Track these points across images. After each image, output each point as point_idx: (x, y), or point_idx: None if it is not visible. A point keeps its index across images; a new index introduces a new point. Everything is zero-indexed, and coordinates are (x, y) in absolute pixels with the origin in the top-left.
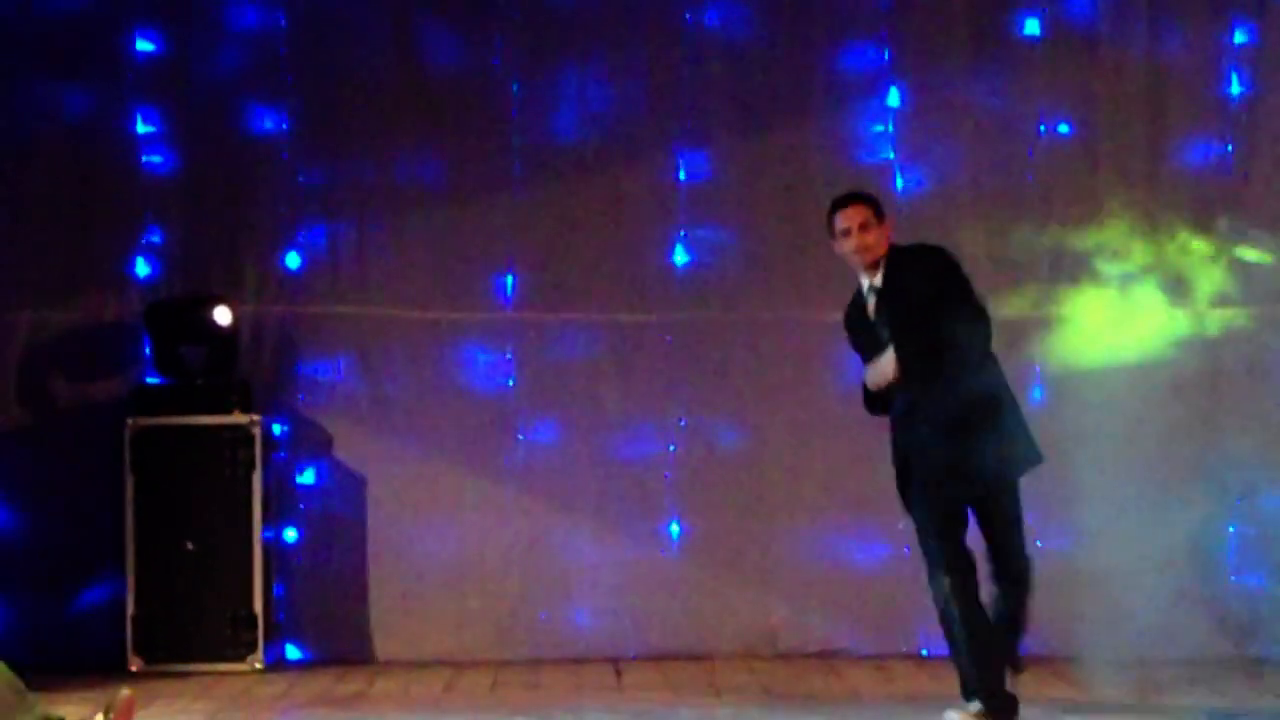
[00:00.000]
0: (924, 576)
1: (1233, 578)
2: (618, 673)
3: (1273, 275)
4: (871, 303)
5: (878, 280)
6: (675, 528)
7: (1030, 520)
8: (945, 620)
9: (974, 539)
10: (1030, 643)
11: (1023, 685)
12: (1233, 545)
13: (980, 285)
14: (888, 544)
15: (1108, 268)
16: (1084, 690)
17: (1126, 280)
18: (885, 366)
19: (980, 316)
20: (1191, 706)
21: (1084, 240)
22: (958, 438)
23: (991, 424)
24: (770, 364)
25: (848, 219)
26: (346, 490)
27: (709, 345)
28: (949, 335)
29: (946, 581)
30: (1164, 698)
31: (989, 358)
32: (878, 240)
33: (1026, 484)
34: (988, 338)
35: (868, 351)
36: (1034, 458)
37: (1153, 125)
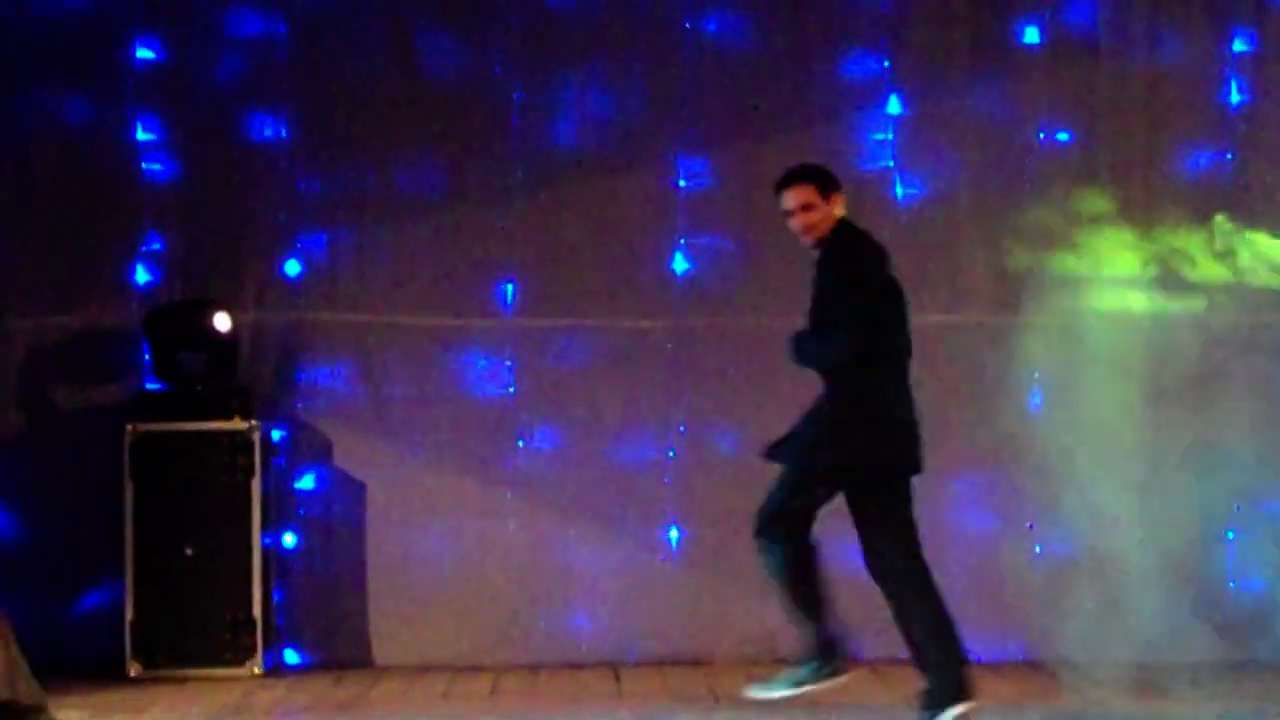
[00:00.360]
0: None
1: (1231, 583)
2: (617, 678)
3: (1268, 281)
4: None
5: (816, 255)
6: (675, 534)
7: (1029, 524)
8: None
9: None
10: (1024, 647)
11: (1024, 688)
12: (1231, 550)
13: (980, 291)
14: None
15: (1106, 274)
16: (1082, 695)
17: (1125, 287)
18: None
19: (852, 328)
20: (1191, 711)
21: (1083, 248)
22: (823, 425)
23: (846, 425)
24: (769, 371)
25: (788, 200)
26: (346, 496)
27: (708, 352)
28: (824, 332)
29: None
30: (1163, 702)
31: (871, 364)
32: (821, 219)
33: (1024, 486)
34: (841, 350)
35: None
36: (897, 468)
37: (1152, 133)
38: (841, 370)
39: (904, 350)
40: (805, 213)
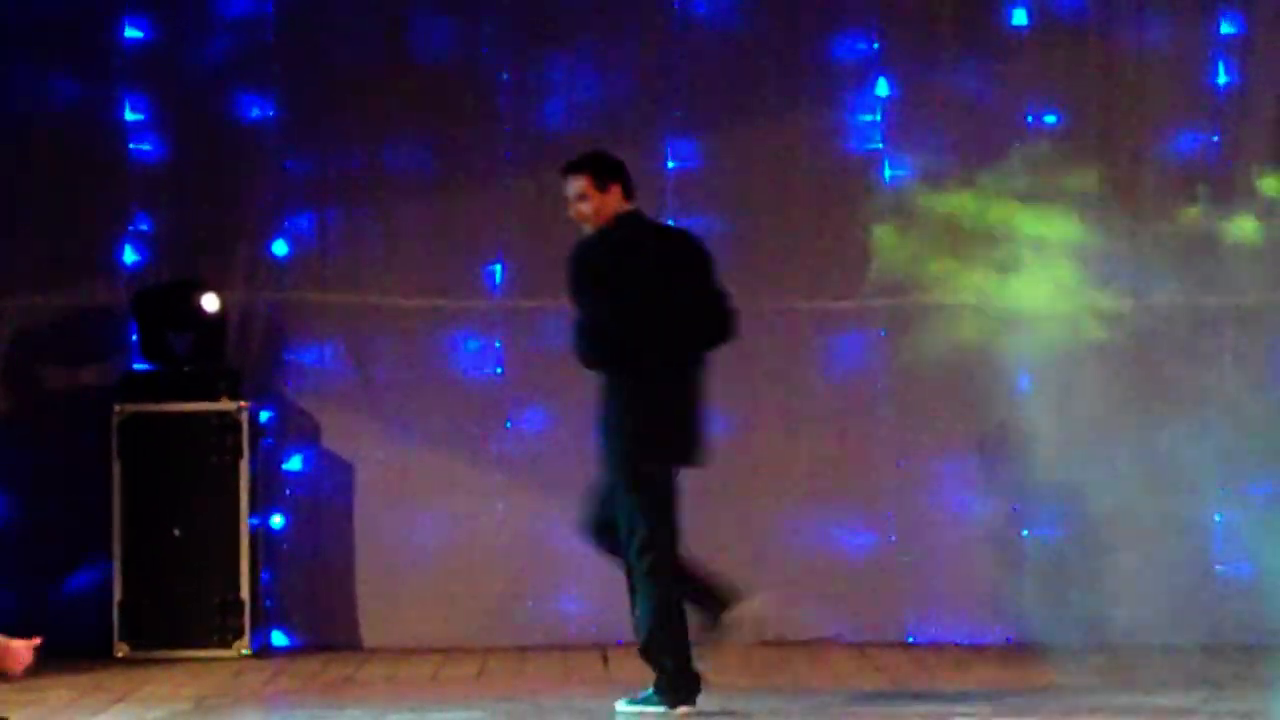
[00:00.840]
0: (911, 564)
1: (1218, 566)
2: (605, 659)
3: (1256, 264)
4: None
5: None
6: None
7: (1016, 509)
8: None
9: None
10: (1011, 631)
11: (1011, 671)
12: (1218, 533)
13: (969, 278)
14: (874, 532)
15: (1092, 257)
16: (1068, 678)
17: (1112, 268)
18: None
19: (589, 318)
20: (1177, 695)
21: (1070, 230)
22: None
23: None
24: (758, 352)
25: (567, 188)
26: (334, 477)
27: None
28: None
29: None
30: (1149, 686)
31: (618, 359)
32: (597, 209)
33: (1011, 468)
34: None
35: None
36: (637, 463)
37: (1139, 115)
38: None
39: (677, 340)
40: (580, 202)
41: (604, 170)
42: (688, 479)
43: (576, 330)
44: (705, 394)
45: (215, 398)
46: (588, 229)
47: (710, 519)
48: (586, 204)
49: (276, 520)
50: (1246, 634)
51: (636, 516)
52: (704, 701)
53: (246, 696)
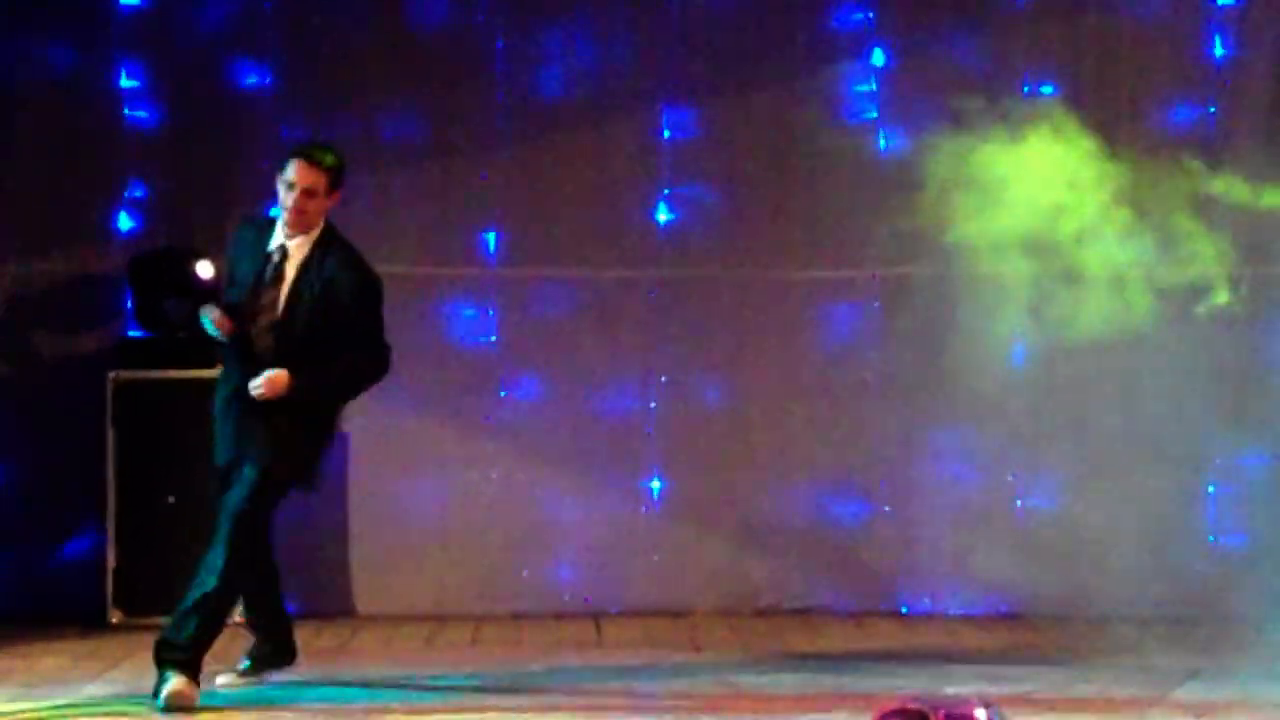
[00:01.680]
0: (904, 534)
1: (1211, 538)
2: (598, 628)
3: (1251, 235)
4: (276, 262)
5: (298, 250)
6: (656, 484)
7: (1011, 479)
8: None
9: None
10: (1005, 601)
11: (1004, 641)
12: (1211, 505)
13: (965, 247)
14: (868, 502)
15: (1089, 229)
16: (1062, 648)
17: (1109, 241)
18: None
19: (379, 349)
20: (1171, 665)
21: (1066, 203)
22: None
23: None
24: (752, 322)
25: (293, 174)
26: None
27: (692, 303)
28: (343, 358)
29: None
30: (1141, 657)
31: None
32: (317, 211)
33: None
34: (378, 370)
35: (240, 286)
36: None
37: (1136, 86)
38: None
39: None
40: (306, 198)
41: (340, 174)
42: (678, 449)
43: (382, 343)
44: None
45: (210, 365)
46: (287, 225)
47: (704, 488)
48: (314, 202)
49: None
50: (1240, 604)
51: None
52: (696, 670)
53: (239, 663)
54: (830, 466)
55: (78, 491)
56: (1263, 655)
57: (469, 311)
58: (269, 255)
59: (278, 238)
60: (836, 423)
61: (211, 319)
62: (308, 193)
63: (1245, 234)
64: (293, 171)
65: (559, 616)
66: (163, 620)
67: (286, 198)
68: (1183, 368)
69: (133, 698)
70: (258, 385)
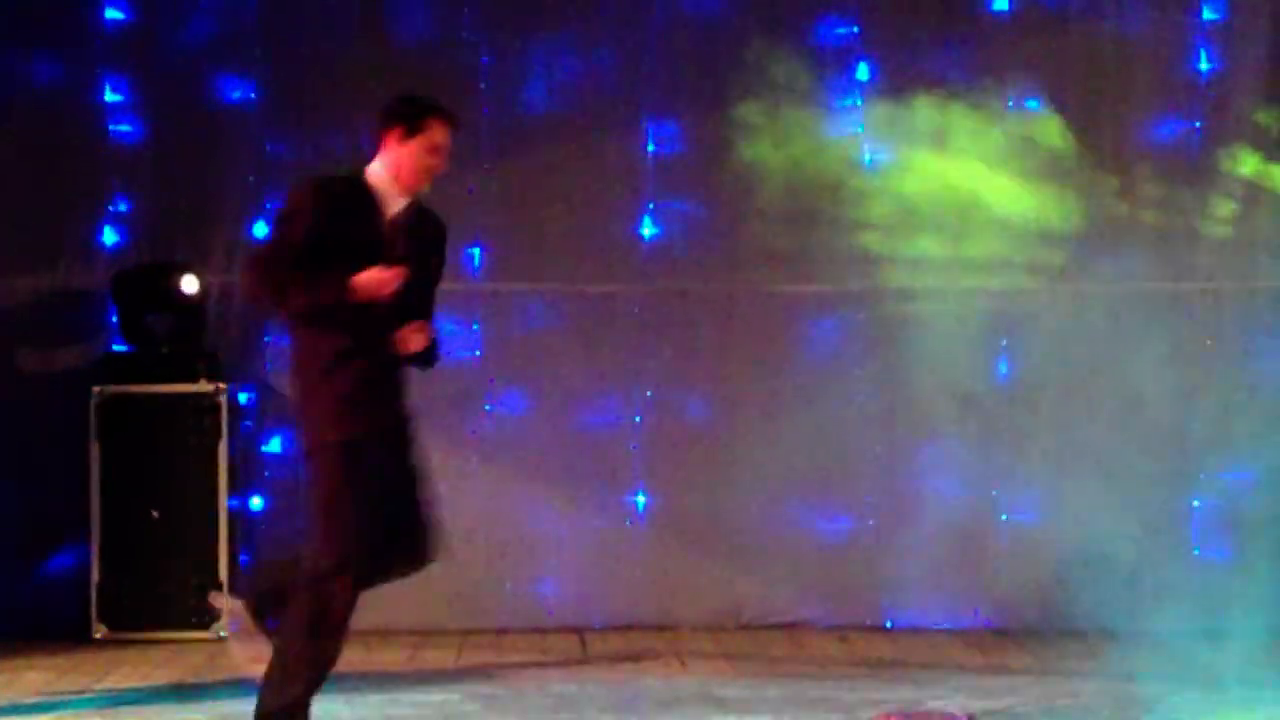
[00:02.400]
0: (888, 548)
1: (1196, 551)
2: (583, 643)
3: (1236, 250)
4: (402, 223)
5: (409, 209)
6: (641, 499)
7: (995, 493)
8: None
9: None
10: (990, 615)
11: (989, 655)
12: (1196, 518)
13: (951, 261)
14: (852, 516)
15: (1074, 240)
16: (1047, 662)
17: (1093, 252)
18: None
19: None
20: (1154, 678)
21: (1051, 214)
22: None
23: None
24: (737, 337)
25: (445, 137)
26: None
27: (676, 317)
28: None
29: None
30: (1126, 669)
31: None
32: None
33: (990, 452)
34: None
35: (357, 256)
36: None
37: (1121, 101)
38: None
39: None
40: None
41: None
42: (663, 463)
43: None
44: None
45: (194, 379)
46: (421, 182)
47: (689, 502)
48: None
49: (255, 502)
50: (1223, 619)
51: None
52: (681, 685)
53: (224, 679)
54: (815, 481)
55: (62, 506)
56: (1242, 672)
57: (453, 326)
58: (393, 218)
59: (393, 199)
60: (821, 437)
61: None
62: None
63: (1229, 248)
64: (444, 134)
65: (543, 631)
66: (145, 635)
67: (432, 160)
68: (1168, 382)
69: (116, 712)
70: (418, 337)
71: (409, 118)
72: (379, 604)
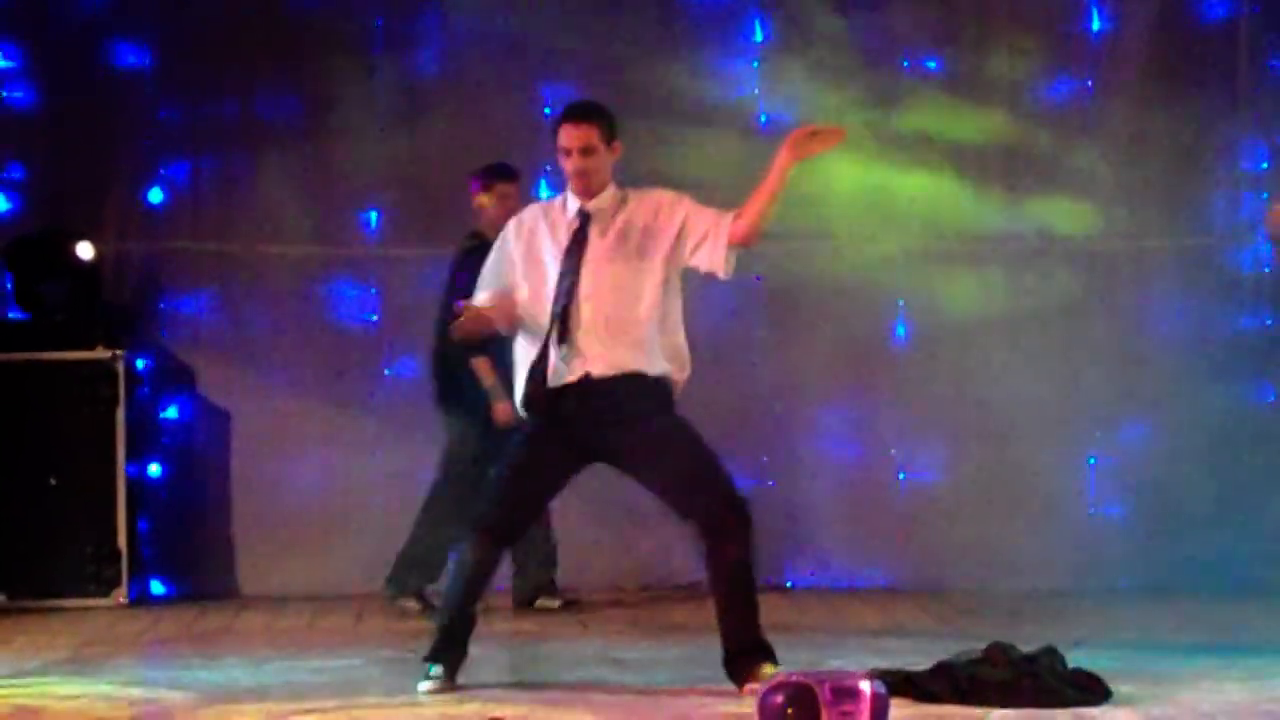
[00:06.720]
0: (788, 508)
1: (1091, 509)
2: (485, 607)
3: (1129, 208)
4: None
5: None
6: None
7: (893, 452)
8: None
9: None
10: (887, 575)
11: (888, 614)
12: (1092, 476)
13: (849, 223)
14: (752, 477)
15: (969, 200)
16: (944, 622)
17: (990, 214)
18: None
19: None
20: (1051, 637)
21: (948, 177)
22: None
23: None
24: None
25: (569, 138)
26: (210, 425)
27: None
28: None
29: None
30: (1022, 629)
31: None
32: (600, 167)
33: (891, 416)
34: None
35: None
36: None
37: (1014, 60)
38: None
39: None
40: (585, 157)
41: (613, 123)
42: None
43: None
44: None
45: (90, 346)
46: (577, 192)
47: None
48: (594, 159)
49: (153, 469)
50: (1119, 577)
51: None
52: (583, 645)
53: (124, 646)
54: (714, 442)
55: None
56: (1138, 629)
57: (350, 291)
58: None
59: (570, 204)
60: (720, 398)
61: None
62: (586, 151)
63: (1124, 208)
64: (565, 136)
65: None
66: (44, 603)
67: (568, 164)
68: (1064, 340)
69: (16, 678)
70: None
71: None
72: (280, 570)
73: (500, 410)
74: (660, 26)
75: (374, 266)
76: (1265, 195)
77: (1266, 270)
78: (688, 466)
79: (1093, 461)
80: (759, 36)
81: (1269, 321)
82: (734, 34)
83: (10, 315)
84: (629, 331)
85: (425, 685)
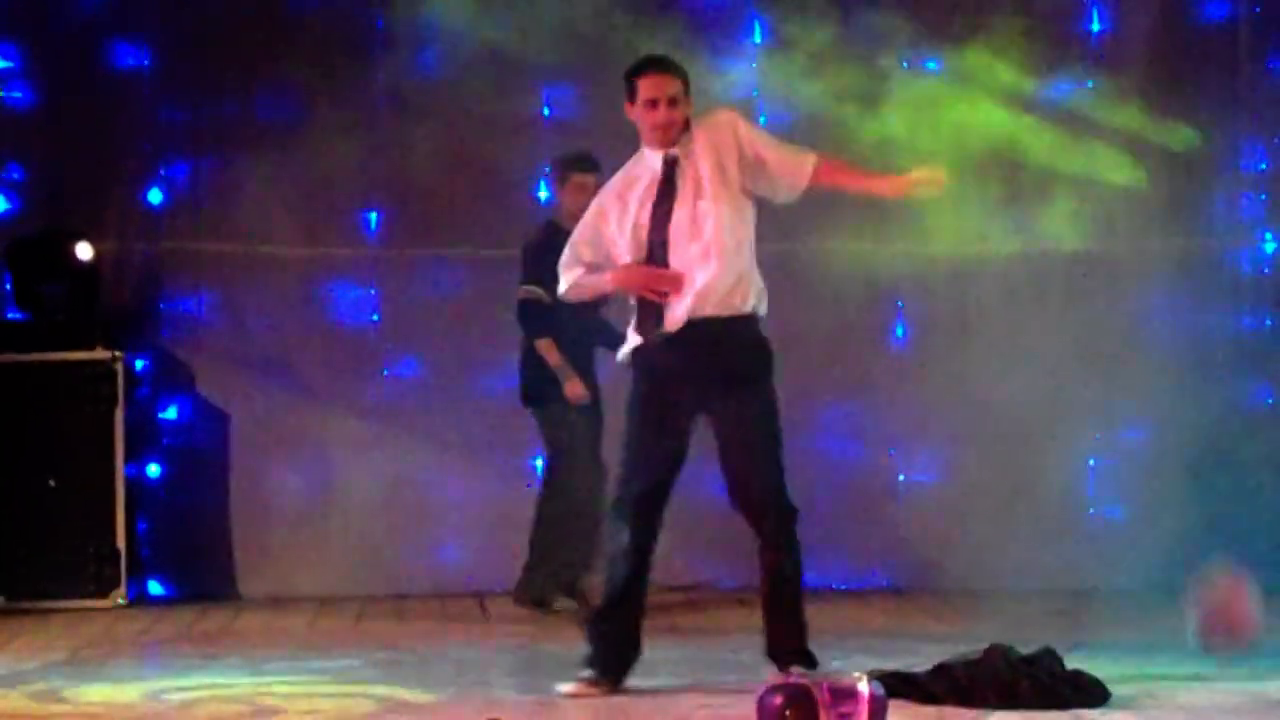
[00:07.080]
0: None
1: (1091, 510)
2: (483, 607)
3: (1127, 211)
4: (658, 180)
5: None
6: (539, 463)
7: (892, 454)
8: None
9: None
10: (890, 576)
11: (888, 615)
12: (1091, 477)
13: (846, 221)
14: None
15: (970, 204)
16: (945, 621)
17: (989, 214)
18: None
19: None
20: (1050, 639)
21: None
22: None
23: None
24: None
25: (657, 89)
26: (210, 426)
27: None
28: None
29: None
30: (1022, 630)
31: None
32: (681, 118)
33: (888, 413)
34: None
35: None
36: None
37: (1014, 61)
38: None
39: None
40: (672, 108)
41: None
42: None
43: None
44: None
45: (90, 347)
46: (655, 143)
47: None
48: (679, 110)
49: (152, 469)
50: (1119, 579)
51: None
52: (582, 648)
53: (123, 646)
54: (711, 443)
55: None
56: (1140, 630)
57: (350, 291)
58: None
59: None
60: None
61: None
62: (673, 101)
63: (1122, 210)
64: (651, 86)
65: (443, 596)
66: (43, 604)
67: (652, 116)
68: (1063, 343)
69: (15, 681)
70: None
71: (627, 88)
72: (279, 571)
73: (571, 387)
74: (659, 27)
75: (373, 267)
76: (1264, 195)
77: (1266, 270)
78: (749, 462)
79: (1092, 462)
80: (758, 37)
81: (1269, 322)
82: (733, 34)
83: (10, 315)
84: (731, 265)
85: (566, 687)
